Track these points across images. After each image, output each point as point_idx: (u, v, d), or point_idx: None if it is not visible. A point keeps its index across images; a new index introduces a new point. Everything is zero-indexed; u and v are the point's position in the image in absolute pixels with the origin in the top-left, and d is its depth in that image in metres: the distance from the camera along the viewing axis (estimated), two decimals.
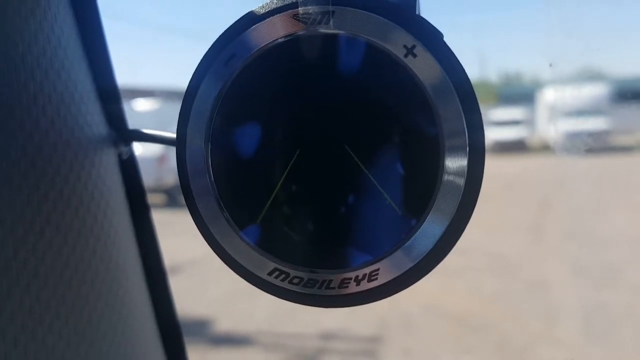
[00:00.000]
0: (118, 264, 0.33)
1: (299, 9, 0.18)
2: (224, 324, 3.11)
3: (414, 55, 0.18)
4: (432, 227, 0.18)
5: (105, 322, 0.31)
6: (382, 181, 0.18)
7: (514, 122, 14.43)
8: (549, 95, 15.75)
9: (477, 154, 0.17)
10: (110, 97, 0.33)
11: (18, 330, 0.25)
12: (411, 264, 0.18)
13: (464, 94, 0.17)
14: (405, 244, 0.18)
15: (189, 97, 0.19)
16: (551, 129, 13.66)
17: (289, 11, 0.18)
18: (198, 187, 0.20)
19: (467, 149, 0.17)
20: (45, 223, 0.27)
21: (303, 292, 0.19)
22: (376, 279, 0.19)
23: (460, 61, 0.18)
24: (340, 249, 0.19)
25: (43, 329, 0.26)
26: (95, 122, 0.31)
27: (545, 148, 14.06)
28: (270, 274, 0.19)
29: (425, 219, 0.18)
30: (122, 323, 0.33)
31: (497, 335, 2.83)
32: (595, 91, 15.20)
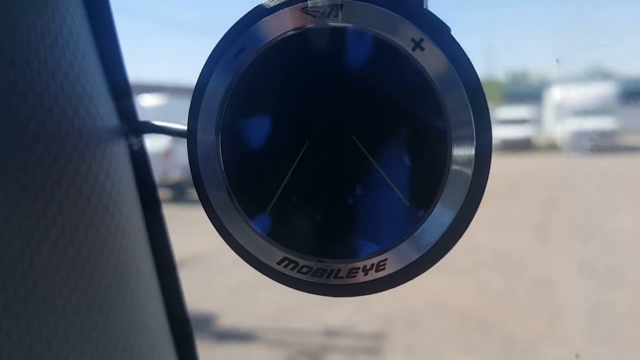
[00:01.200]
0: (128, 253, 0.33)
1: (308, 2, 0.19)
2: (228, 320, 3.12)
3: (422, 49, 0.18)
4: (439, 218, 0.18)
5: (116, 312, 0.31)
6: (390, 172, 0.19)
7: (521, 121, 14.37)
8: (556, 94, 15.67)
9: (484, 144, 0.18)
10: (121, 90, 0.33)
11: (32, 315, 0.25)
12: (419, 254, 0.19)
13: (471, 86, 0.18)
14: (413, 235, 0.19)
15: (200, 89, 0.20)
16: (558, 128, 13.60)
17: (298, 4, 0.19)
18: (209, 177, 0.20)
19: (475, 139, 0.18)
20: (58, 211, 0.27)
21: (311, 281, 0.20)
22: (384, 269, 0.19)
23: (467, 54, 0.18)
24: (349, 239, 0.19)
25: (56, 316, 0.27)
26: (107, 114, 0.32)
27: (552, 147, 13.99)
28: (279, 263, 0.20)
29: (433, 209, 0.18)
30: (132, 313, 0.34)
31: (502, 333, 2.83)
32: (603, 90, 15.11)
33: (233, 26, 0.19)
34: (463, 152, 0.18)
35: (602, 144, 12.93)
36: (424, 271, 0.19)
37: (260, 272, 0.21)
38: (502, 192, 7.82)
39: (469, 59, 0.18)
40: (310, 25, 0.19)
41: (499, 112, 16.00)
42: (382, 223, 0.19)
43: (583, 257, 4.22)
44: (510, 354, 2.62)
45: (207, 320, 3.08)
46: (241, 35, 0.19)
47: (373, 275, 0.19)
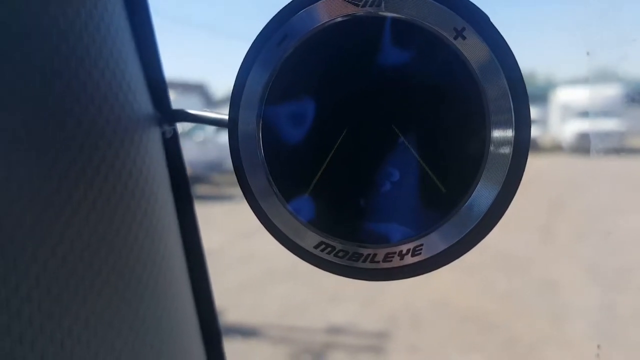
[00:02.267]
0: (162, 238, 0.34)
1: None
2: (232, 316, 3.13)
3: (464, 37, 0.18)
4: (475, 205, 0.19)
5: (145, 306, 0.32)
6: (427, 159, 0.19)
7: None
8: (562, 96, 15.64)
9: (523, 129, 0.18)
10: (155, 78, 0.34)
11: (63, 312, 0.26)
12: (454, 241, 0.19)
13: (511, 73, 0.18)
14: (449, 221, 0.19)
15: (242, 77, 0.20)
16: (564, 129, 13.56)
17: None
18: (250, 164, 0.21)
19: (514, 124, 0.18)
20: (97, 195, 0.28)
21: (348, 265, 0.20)
22: (420, 253, 0.19)
23: (507, 40, 0.18)
24: (385, 224, 0.20)
25: (86, 309, 0.27)
26: (143, 102, 0.32)
27: (557, 148, 13.94)
28: (316, 247, 0.20)
29: (470, 197, 0.19)
30: (161, 309, 0.34)
31: (506, 334, 2.83)
32: (609, 92, 15.01)
33: (277, 14, 0.19)
34: (502, 136, 0.18)
35: (608, 146, 12.83)
36: (459, 257, 0.20)
37: (297, 255, 0.21)
38: None
39: (508, 46, 0.18)
40: (353, 14, 0.19)
41: None
42: (418, 209, 0.19)
43: (589, 259, 4.21)
44: (513, 354, 2.62)
45: None
46: (284, 23, 0.19)
47: (409, 260, 0.20)
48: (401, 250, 0.20)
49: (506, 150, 0.18)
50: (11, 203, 0.24)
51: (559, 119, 15.17)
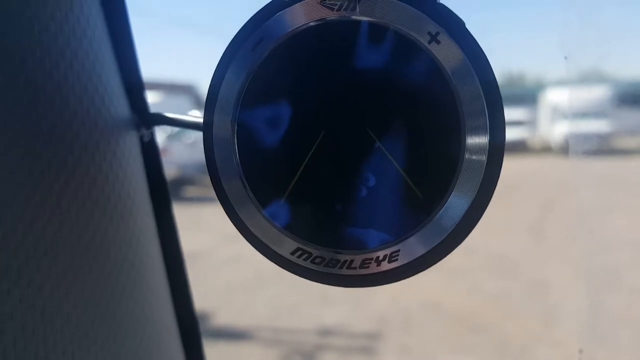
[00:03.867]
0: (139, 242, 0.33)
1: None
2: (221, 318, 3.12)
3: (438, 42, 0.18)
4: (452, 209, 0.19)
5: (123, 310, 0.31)
6: (403, 164, 0.19)
7: (516, 123, 14.43)
8: (551, 97, 15.78)
9: (497, 133, 0.19)
10: (133, 82, 0.34)
11: (38, 319, 0.25)
12: (431, 246, 0.19)
13: (485, 78, 0.18)
14: (426, 226, 0.19)
15: (217, 80, 0.20)
16: (553, 131, 13.68)
17: None
18: (224, 168, 0.20)
19: (488, 129, 0.18)
20: (72, 199, 0.28)
21: (324, 271, 0.20)
22: (397, 259, 0.19)
23: (482, 46, 0.18)
24: (362, 230, 0.20)
25: (62, 316, 0.26)
26: (120, 105, 0.32)
27: (546, 149, 14.06)
28: (293, 253, 0.20)
29: (446, 201, 0.19)
30: (140, 313, 0.33)
31: (497, 335, 2.84)
32: (598, 93, 15.19)
33: (251, 18, 0.19)
34: (477, 141, 0.18)
35: (597, 147, 12.96)
36: (436, 262, 0.19)
37: (273, 261, 0.21)
38: (498, 193, 7.83)
39: (483, 52, 0.18)
40: (328, 18, 0.19)
41: None
42: (395, 214, 0.19)
43: (579, 260, 4.24)
44: (504, 355, 2.63)
45: (200, 319, 3.09)
46: (259, 27, 0.19)
47: (386, 266, 0.19)
48: (378, 257, 0.20)
49: (481, 156, 0.19)
50: None
51: (548, 120, 15.30)
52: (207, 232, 4.81)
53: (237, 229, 0.21)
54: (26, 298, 0.24)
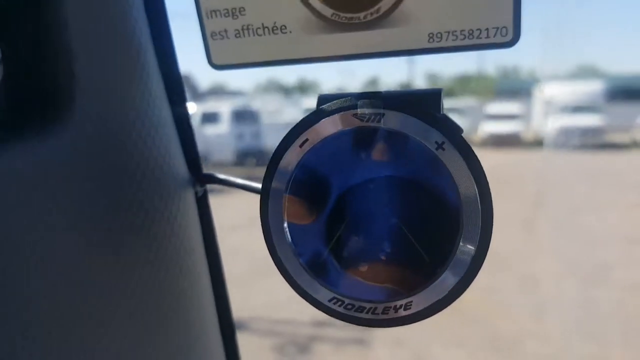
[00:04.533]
0: (193, 288, 0.42)
1: (358, 110, 0.24)
2: None
3: (443, 149, 0.23)
4: (453, 271, 0.24)
5: (175, 329, 0.40)
6: (414, 236, 0.25)
7: (510, 116, 14.48)
8: (545, 91, 15.82)
9: (488, 219, 0.23)
10: (189, 143, 0.41)
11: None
12: (438, 297, 0.24)
13: (479, 177, 0.23)
14: (433, 284, 0.24)
15: (274, 164, 0.26)
16: (546, 124, 13.73)
17: (350, 111, 0.24)
18: (276, 230, 0.26)
19: (480, 213, 0.23)
20: (148, 250, 0.36)
21: (353, 315, 0.26)
22: (410, 308, 0.25)
23: (475, 151, 0.24)
24: (383, 285, 0.25)
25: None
26: (178, 165, 0.40)
27: (539, 143, 14.12)
28: (329, 300, 0.26)
29: (448, 265, 0.24)
30: (189, 329, 0.42)
31: (488, 328, 2.88)
32: (591, 88, 15.25)
33: (300, 122, 0.25)
34: (470, 226, 0.24)
35: (589, 141, 13.07)
36: (442, 309, 0.24)
37: (315, 306, 0.27)
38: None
39: (475, 155, 0.24)
40: (359, 126, 0.24)
41: (489, 107, 16.12)
42: (409, 273, 0.25)
43: (568, 255, 4.30)
44: (495, 348, 2.67)
45: None
46: (305, 130, 0.25)
47: (402, 312, 0.25)
48: (395, 305, 0.25)
49: (473, 240, 0.24)
50: (75, 247, 0.31)
51: (541, 114, 15.35)
52: None
53: (287, 281, 0.27)
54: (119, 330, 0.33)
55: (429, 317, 0.24)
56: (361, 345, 2.70)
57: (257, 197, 0.27)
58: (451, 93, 25.42)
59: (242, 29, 0.26)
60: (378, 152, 0.24)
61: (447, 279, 0.24)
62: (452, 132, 0.23)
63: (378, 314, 0.25)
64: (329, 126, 0.25)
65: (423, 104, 0.24)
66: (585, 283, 3.59)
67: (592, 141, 12.66)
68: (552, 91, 15.28)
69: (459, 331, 2.82)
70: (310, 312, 3.01)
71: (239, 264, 3.91)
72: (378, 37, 0.25)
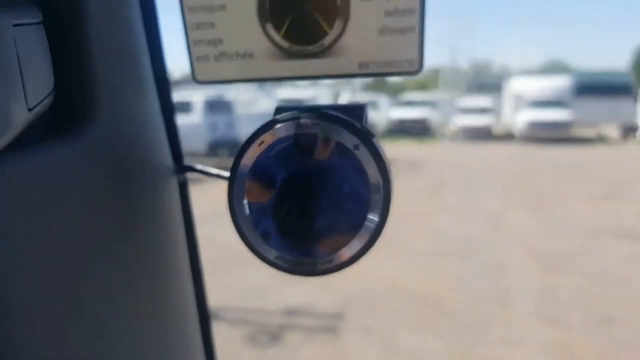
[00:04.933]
0: (173, 269, 0.46)
1: (301, 120, 0.32)
2: None
3: (359, 150, 0.31)
4: (363, 234, 0.32)
5: (153, 309, 0.43)
6: (337, 210, 0.32)
7: (482, 110, 14.69)
8: (515, 85, 16.09)
9: (387, 198, 0.32)
10: (174, 138, 0.46)
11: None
12: (351, 254, 0.32)
13: (383, 170, 0.31)
14: (350, 242, 0.32)
15: (239, 158, 0.33)
16: (516, 118, 13.98)
17: (295, 121, 0.32)
18: (239, 206, 0.34)
19: (382, 198, 0.32)
20: (135, 236, 0.40)
21: (295, 269, 0.34)
22: (334, 261, 0.33)
23: (384, 153, 0.32)
24: (316, 243, 0.33)
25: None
26: (164, 155, 0.45)
27: (509, 136, 14.38)
28: (275, 258, 0.34)
29: (360, 230, 0.32)
30: (167, 309, 0.46)
31: (455, 315, 2.95)
32: (559, 83, 15.56)
33: (260, 128, 0.33)
34: (375, 204, 0.32)
35: (557, 135, 13.35)
36: (358, 260, 0.33)
37: (266, 263, 0.34)
38: (459, 180, 8.04)
39: (382, 154, 0.32)
40: (300, 132, 0.32)
41: (461, 100, 16.32)
42: (333, 237, 0.33)
43: (532, 244, 4.42)
44: (459, 334, 2.73)
45: None
46: (263, 134, 0.32)
47: (328, 265, 0.33)
48: (324, 260, 0.33)
49: (375, 218, 0.32)
50: (62, 224, 0.33)
51: (511, 108, 15.61)
52: None
53: (244, 243, 0.34)
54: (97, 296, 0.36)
55: (349, 266, 0.33)
56: (331, 333, 2.73)
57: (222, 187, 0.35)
58: (425, 86, 25.65)
59: (220, 55, 0.33)
60: (313, 151, 0.32)
61: (360, 239, 0.32)
62: (367, 138, 0.31)
63: (314, 266, 0.33)
64: (280, 132, 0.32)
65: (350, 115, 0.32)
66: (549, 271, 3.70)
67: (560, 135, 12.95)
68: (522, 86, 15.56)
69: (427, 319, 2.88)
70: (282, 301, 3.03)
71: (210, 253, 3.90)
72: (322, 64, 0.33)
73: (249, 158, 0.33)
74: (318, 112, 0.32)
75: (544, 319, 2.89)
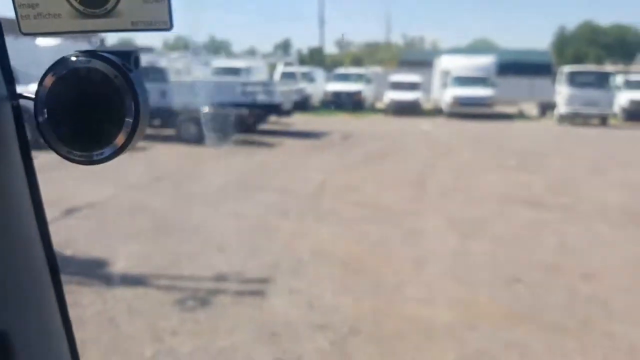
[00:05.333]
0: (11, 193, 0.51)
1: (79, 57, 0.44)
2: (120, 265, 3.10)
3: (117, 78, 0.44)
4: (124, 131, 0.45)
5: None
6: (104, 116, 0.45)
7: (411, 85, 14.98)
8: (444, 62, 16.50)
9: (138, 108, 0.44)
10: (6, 66, 0.51)
11: None
12: (117, 147, 0.45)
13: (132, 90, 0.45)
14: (116, 137, 0.45)
15: (40, 84, 0.45)
16: (443, 94, 14.38)
17: (77, 57, 0.44)
18: (42, 118, 0.45)
19: (133, 106, 0.44)
20: None
21: (79, 159, 0.45)
22: (105, 153, 0.45)
23: (137, 80, 0.45)
24: (97, 140, 0.45)
25: None
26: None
27: (437, 111, 14.75)
28: (67, 152, 0.45)
29: (122, 128, 0.44)
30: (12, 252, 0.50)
31: (374, 276, 3.14)
32: (484, 61, 16.06)
33: (54, 63, 0.44)
34: (129, 112, 0.44)
35: (480, 111, 13.84)
36: (125, 151, 0.45)
37: (58, 154, 0.45)
38: (389, 152, 8.26)
39: (134, 80, 0.45)
40: (80, 65, 0.44)
41: (393, 75, 16.58)
42: (103, 135, 0.45)
43: (450, 211, 4.70)
44: (377, 293, 2.89)
45: (99, 266, 3.07)
46: (57, 67, 0.44)
47: (101, 156, 0.44)
48: (99, 152, 0.45)
49: (130, 120, 0.44)
50: None
51: (440, 84, 15.97)
52: (107, 184, 4.67)
53: (46, 143, 0.45)
54: None
55: (120, 154, 0.45)
56: (259, 296, 2.78)
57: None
58: (360, 62, 25.72)
59: (38, 15, 0.44)
60: (88, 77, 0.44)
61: (123, 134, 0.44)
62: (122, 70, 0.44)
63: (91, 155, 0.45)
64: (68, 64, 0.44)
65: (119, 57, 0.45)
66: (464, 235, 3.95)
67: (483, 111, 13.46)
68: (450, 63, 15.98)
69: (349, 280, 3.03)
70: (211, 268, 3.09)
71: (142, 223, 3.86)
72: (107, 22, 0.44)
73: (47, 82, 0.44)
74: (94, 52, 0.44)
75: (456, 280, 3.09)
